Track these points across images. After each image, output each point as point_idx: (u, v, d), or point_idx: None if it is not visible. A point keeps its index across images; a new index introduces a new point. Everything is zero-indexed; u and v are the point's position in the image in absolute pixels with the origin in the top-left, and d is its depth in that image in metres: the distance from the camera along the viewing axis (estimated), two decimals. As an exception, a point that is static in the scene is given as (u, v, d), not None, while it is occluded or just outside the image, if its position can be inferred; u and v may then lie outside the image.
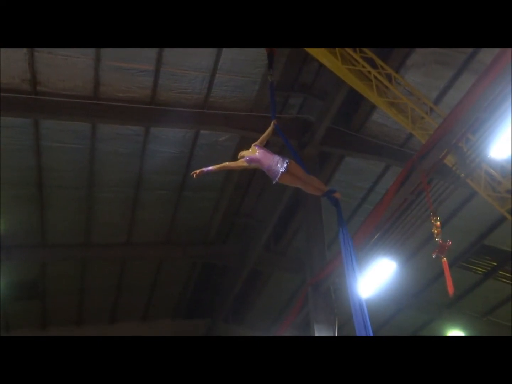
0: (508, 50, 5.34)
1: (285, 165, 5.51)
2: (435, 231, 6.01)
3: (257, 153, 5.70)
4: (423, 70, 8.78)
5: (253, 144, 5.90)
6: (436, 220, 5.85)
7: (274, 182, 5.64)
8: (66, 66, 8.34)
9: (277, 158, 5.61)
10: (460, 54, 8.45)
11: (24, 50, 7.93)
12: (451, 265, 10.93)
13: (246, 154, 5.79)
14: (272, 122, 6.29)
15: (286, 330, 10.51)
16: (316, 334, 8.44)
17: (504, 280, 12.01)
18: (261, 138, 6.02)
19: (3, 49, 7.75)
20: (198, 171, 5.62)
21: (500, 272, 11.87)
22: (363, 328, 5.33)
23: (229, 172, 10.74)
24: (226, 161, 10.84)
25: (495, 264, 11.76)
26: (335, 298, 8.87)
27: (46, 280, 12.63)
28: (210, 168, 5.65)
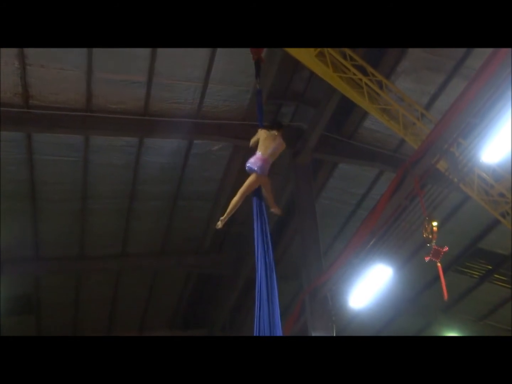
0: (497, 55, 5.40)
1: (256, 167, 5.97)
2: (430, 236, 6.03)
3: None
4: (413, 76, 8.86)
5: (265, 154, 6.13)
6: (433, 225, 5.87)
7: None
8: (58, 79, 8.34)
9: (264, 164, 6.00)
10: (449, 60, 8.54)
11: (16, 64, 7.93)
12: (446, 269, 11.00)
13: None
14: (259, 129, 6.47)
15: (283, 338, 10.46)
16: (314, 342, 8.41)
17: (500, 283, 12.06)
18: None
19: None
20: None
21: (495, 275, 11.91)
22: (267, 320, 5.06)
23: (222, 181, 10.75)
24: (220, 171, 10.93)
25: (490, 267, 11.80)
26: (332, 305, 8.85)
27: (40, 294, 12.53)
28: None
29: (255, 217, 5.84)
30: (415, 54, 8.54)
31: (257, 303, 5.18)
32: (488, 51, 5.68)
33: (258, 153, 6.11)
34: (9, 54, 7.78)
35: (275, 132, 6.30)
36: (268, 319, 4.98)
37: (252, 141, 6.41)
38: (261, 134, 6.28)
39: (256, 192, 6.11)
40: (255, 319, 5.09)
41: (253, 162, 6.05)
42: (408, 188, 6.91)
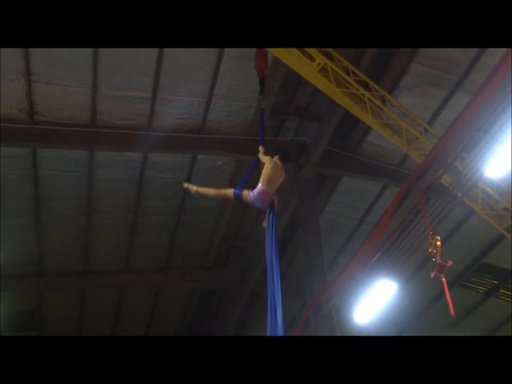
0: (499, 69, 5.43)
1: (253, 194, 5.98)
2: (434, 251, 6.01)
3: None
4: (416, 91, 8.90)
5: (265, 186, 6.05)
6: (437, 239, 5.85)
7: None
8: (64, 96, 8.42)
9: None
10: (451, 75, 8.60)
11: (22, 81, 8.03)
12: (451, 285, 10.93)
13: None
14: (260, 147, 6.39)
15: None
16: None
17: (506, 298, 11.95)
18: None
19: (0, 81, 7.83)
20: None
21: (501, 290, 11.82)
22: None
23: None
24: (224, 186, 10.96)
25: (496, 282, 11.71)
26: (336, 320, 8.78)
27: (43, 310, 12.49)
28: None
29: (268, 229, 5.85)
30: (417, 70, 8.60)
31: (268, 313, 5.33)
32: (490, 65, 5.71)
33: (262, 187, 5.91)
34: (15, 71, 7.88)
35: (280, 163, 6.10)
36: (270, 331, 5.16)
37: (261, 159, 6.27)
38: (268, 161, 6.06)
39: (272, 207, 6.06)
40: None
41: (257, 197, 5.91)
42: (412, 203, 6.90)
